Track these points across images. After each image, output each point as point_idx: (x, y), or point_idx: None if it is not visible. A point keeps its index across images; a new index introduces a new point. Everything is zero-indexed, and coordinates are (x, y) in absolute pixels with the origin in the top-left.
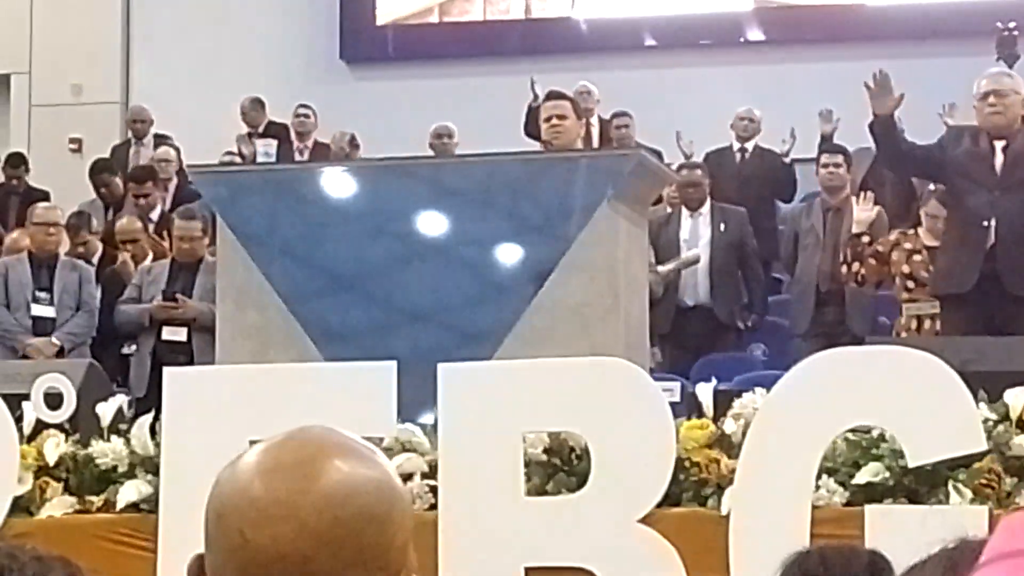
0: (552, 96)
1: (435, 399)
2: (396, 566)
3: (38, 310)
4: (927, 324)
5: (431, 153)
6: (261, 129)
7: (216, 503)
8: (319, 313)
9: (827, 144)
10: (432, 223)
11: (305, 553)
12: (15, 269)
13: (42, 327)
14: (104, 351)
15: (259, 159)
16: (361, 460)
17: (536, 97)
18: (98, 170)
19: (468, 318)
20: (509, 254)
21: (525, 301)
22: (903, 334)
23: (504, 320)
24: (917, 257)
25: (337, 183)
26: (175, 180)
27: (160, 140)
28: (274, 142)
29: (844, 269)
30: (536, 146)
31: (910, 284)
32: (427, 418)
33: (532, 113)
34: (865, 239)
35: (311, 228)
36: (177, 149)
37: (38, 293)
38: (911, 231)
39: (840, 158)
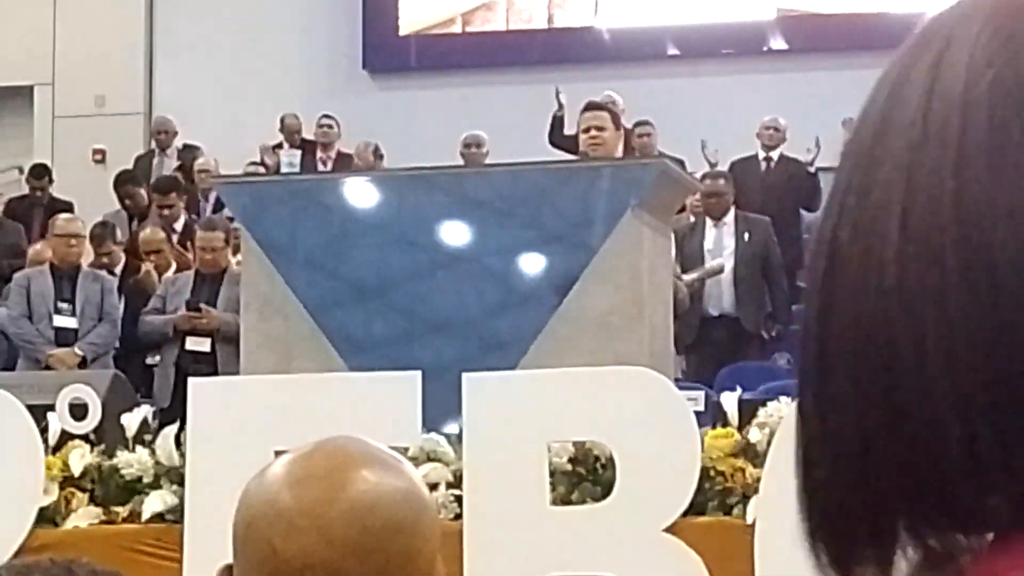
0: (591, 107)
1: (459, 408)
2: (423, 575)
3: (60, 321)
4: None
5: (455, 162)
6: (297, 142)
7: (245, 513)
8: (343, 323)
9: None
10: (455, 233)
11: (333, 563)
12: (37, 280)
13: (64, 338)
14: (127, 362)
15: (283, 169)
16: (388, 470)
17: (561, 106)
18: (122, 181)
19: (491, 327)
20: (532, 263)
21: (548, 310)
22: None
23: (527, 329)
24: None
25: (360, 193)
26: (215, 191)
27: (187, 150)
28: (298, 153)
29: None
30: (562, 157)
31: None
32: (450, 428)
33: (557, 123)
34: None
35: (334, 238)
36: (215, 161)
37: (60, 304)
38: None
39: None
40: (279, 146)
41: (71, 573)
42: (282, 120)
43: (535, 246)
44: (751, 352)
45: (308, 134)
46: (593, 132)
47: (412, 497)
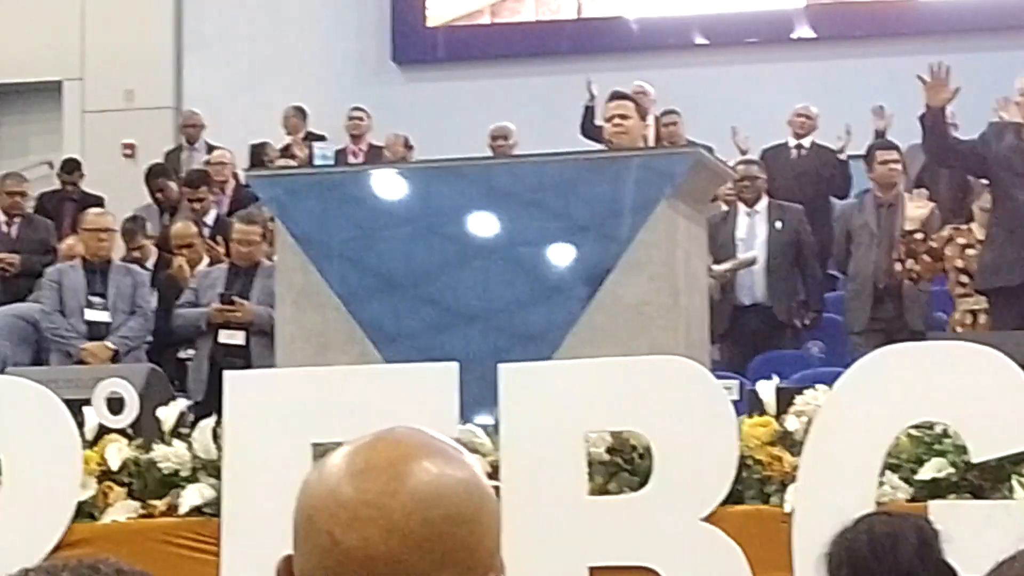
0: (615, 96)
1: (491, 399)
2: (484, 567)
3: (92, 315)
4: (982, 318)
5: (484, 153)
6: (301, 136)
7: (305, 505)
8: (376, 314)
9: (882, 140)
10: (484, 224)
11: (394, 554)
12: (69, 275)
13: (97, 332)
14: (161, 355)
15: (317, 162)
16: (449, 461)
17: (592, 97)
18: (154, 175)
19: (521, 319)
20: (561, 254)
21: (579, 301)
22: (958, 329)
23: (558, 320)
24: (970, 251)
25: (389, 185)
26: (231, 184)
27: (212, 147)
28: (332, 145)
29: (898, 266)
30: (594, 147)
31: (963, 279)
32: (483, 419)
33: (588, 113)
34: (919, 236)
35: (365, 230)
36: (231, 153)
37: (92, 298)
38: (964, 226)
39: (896, 154)
40: (317, 137)
41: (96, 571)
42: (284, 116)
43: (564, 237)
44: (784, 340)
45: (335, 127)
46: (617, 120)
47: (473, 488)
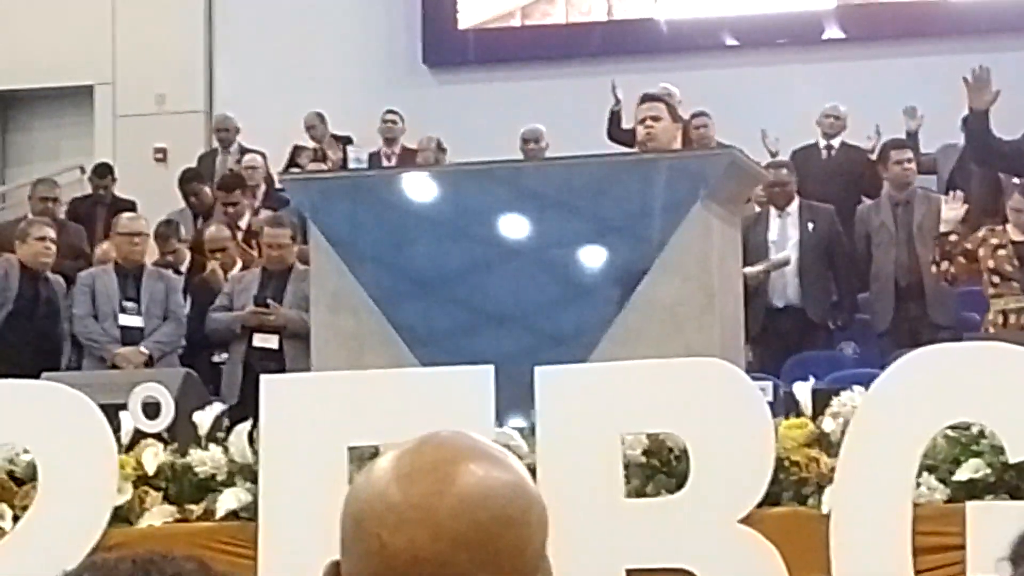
0: (647, 98)
1: (523, 401)
2: (531, 569)
3: (126, 320)
4: (1013, 319)
5: (515, 155)
6: (324, 143)
7: (353, 508)
8: (408, 317)
9: (896, 139)
10: (514, 226)
11: (442, 556)
12: (102, 280)
13: (130, 337)
14: (195, 360)
15: (351, 165)
16: (495, 463)
17: (618, 101)
18: (188, 179)
19: (553, 320)
20: (592, 256)
21: (612, 303)
22: (991, 329)
23: (591, 322)
24: (1002, 252)
25: (420, 188)
26: (263, 187)
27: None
28: (366, 148)
29: (934, 268)
30: (615, 149)
31: (995, 279)
32: (516, 421)
33: (614, 117)
34: (953, 238)
35: (397, 233)
36: (264, 156)
37: (125, 303)
38: (999, 227)
39: (911, 153)
40: (342, 139)
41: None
42: (306, 122)
43: (596, 239)
44: (817, 342)
45: (367, 129)
46: (649, 122)
47: (520, 490)
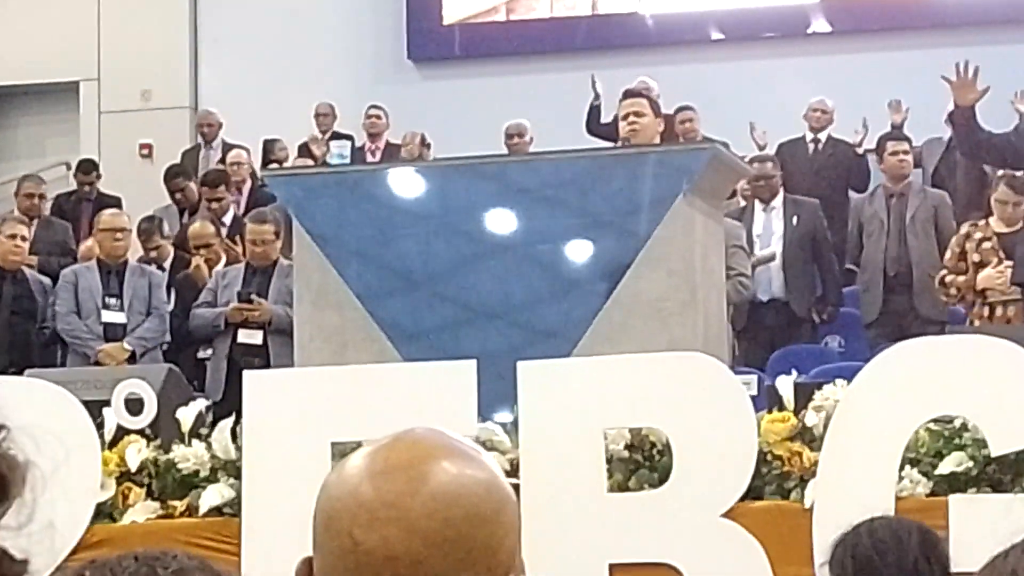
0: (629, 94)
1: (509, 397)
2: (505, 567)
3: (108, 316)
4: (999, 311)
5: (501, 150)
6: (329, 135)
7: (325, 506)
8: (394, 313)
9: (892, 132)
10: (501, 221)
11: (415, 555)
12: (84, 276)
13: (113, 333)
14: (179, 356)
15: (333, 160)
16: (469, 461)
17: (597, 96)
18: (173, 175)
19: (539, 316)
20: (579, 251)
21: (597, 297)
22: (976, 322)
23: (577, 317)
24: (986, 245)
25: (406, 183)
26: (248, 183)
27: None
28: (348, 143)
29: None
30: (600, 144)
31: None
32: (502, 416)
33: (593, 112)
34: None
35: (382, 228)
36: (248, 152)
37: (108, 299)
38: (982, 221)
39: (907, 145)
40: (343, 137)
41: (154, 573)
42: (318, 111)
43: (582, 233)
44: (802, 336)
45: (352, 124)
46: (632, 118)
47: (493, 488)
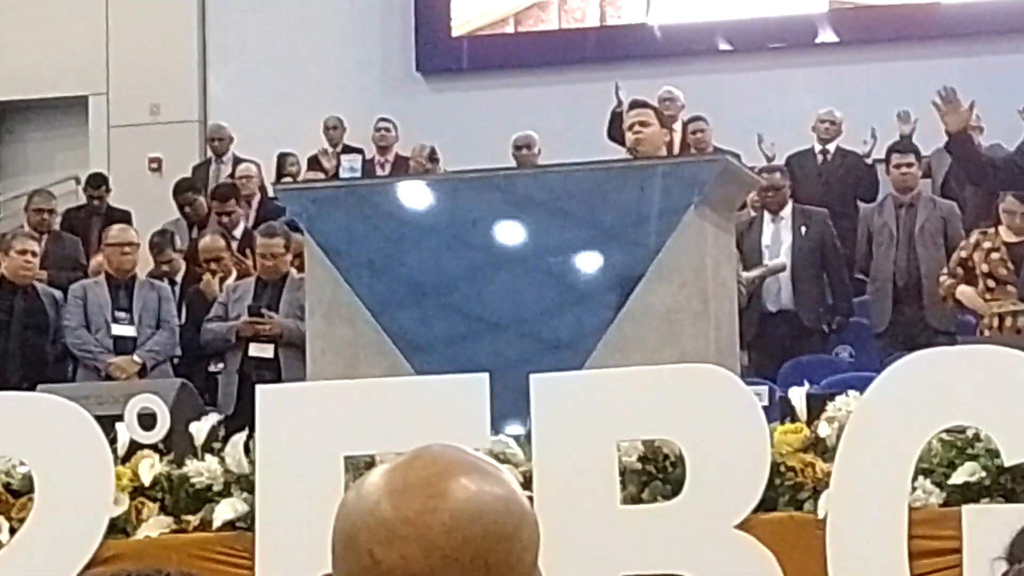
0: (635, 104)
1: (521, 409)
2: None
3: (118, 330)
4: (1008, 322)
5: (511, 163)
6: (340, 148)
7: (344, 523)
8: (405, 325)
9: (899, 144)
10: (510, 233)
11: (434, 572)
12: (93, 290)
13: (123, 346)
14: (190, 370)
15: (344, 174)
16: (487, 478)
17: (620, 103)
18: (182, 189)
19: (550, 327)
20: (589, 262)
21: (607, 309)
22: (986, 332)
23: (588, 329)
24: (995, 255)
25: (416, 196)
26: (257, 197)
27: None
28: (358, 157)
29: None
30: (619, 151)
31: (990, 283)
32: (513, 428)
33: (615, 118)
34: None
35: (393, 241)
36: (258, 166)
37: (118, 313)
38: (991, 230)
39: (912, 157)
40: (353, 150)
41: None
42: (326, 124)
43: (592, 245)
44: (812, 346)
45: (361, 137)
46: (637, 128)
47: (512, 504)
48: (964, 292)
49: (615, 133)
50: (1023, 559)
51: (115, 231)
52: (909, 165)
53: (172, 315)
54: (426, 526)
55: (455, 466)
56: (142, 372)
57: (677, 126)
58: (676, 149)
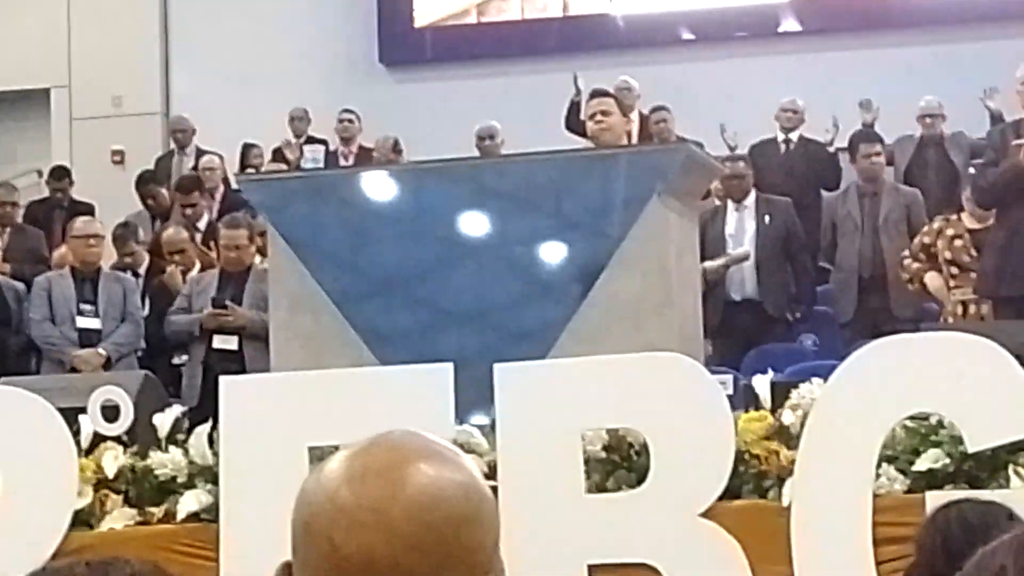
0: (596, 94)
1: (486, 399)
2: (484, 568)
3: (83, 322)
4: (972, 309)
5: (474, 153)
6: (303, 139)
7: (303, 511)
8: (369, 317)
9: (865, 132)
10: (475, 224)
11: (395, 559)
12: (58, 283)
13: (88, 339)
14: (154, 362)
15: (306, 165)
16: (447, 463)
17: (578, 92)
18: (145, 181)
19: (515, 318)
20: (554, 253)
21: (572, 299)
22: (950, 319)
23: (552, 319)
24: (958, 242)
25: (379, 187)
26: (221, 189)
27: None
28: (321, 148)
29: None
30: (578, 142)
31: (954, 270)
32: (478, 419)
33: (574, 108)
34: (915, 266)
35: (356, 232)
36: (221, 158)
37: (82, 306)
38: (954, 216)
39: (879, 146)
40: (317, 141)
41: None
42: (292, 116)
43: (556, 235)
44: (776, 335)
45: (325, 129)
46: (599, 117)
47: (472, 490)
48: (932, 279)
49: (573, 124)
50: (935, 548)
51: (80, 223)
52: (878, 154)
53: (137, 308)
54: (386, 512)
55: (414, 452)
56: (107, 365)
57: (634, 116)
58: (635, 139)
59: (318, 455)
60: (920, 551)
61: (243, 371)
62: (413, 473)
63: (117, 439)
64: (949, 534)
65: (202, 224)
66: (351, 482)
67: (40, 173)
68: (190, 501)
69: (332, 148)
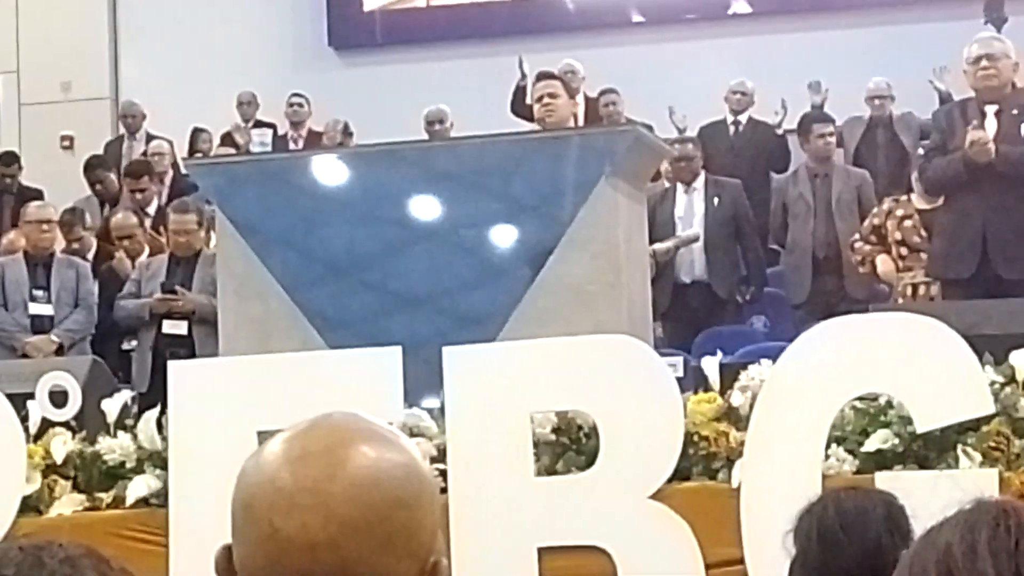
0: (543, 76)
1: (436, 383)
2: (425, 550)
3: (36, 308)
4: (922, 290)
5: (424, 137)
6: (252, 124)
7: (243, 493)
8: (319, 301)
9: (817, 113)
10: (425, 207)
11: (335, 540)
12: (11, 269)
13: (40, 325)
14: (104, 347)
15: (255, 149)
16: (387, 445)
17: (524, 76)
18: (92, 166)
19: (465, 301)
20: (504, 236)
21: (523, 282)
22: (900, 301)
23: (502, 302)
24: (908, 223)
25: (329, 171)
26: (170, 174)
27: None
28: (269, 131)
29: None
30: (524, 125)
31: (904, 251)
32: (429, 402)
33: (519, 92)
34: (866, 248)
35: (306, 216)
36: (170, 143)
37: (35, 292)
38: (903, 197)
39: (832, 127)
40: (266, 125)
41: (41, 566)
42: (239, 99)
43: (506, 218)
44: (726, 316)
45: (274, 113)
46: (546, 100)
47: (412, 471)
48: (882, 262)
49: (519, 108)
50: (811, 537)
51: (33, 208)
52: (831, 135)
53: (91, 293)
54: (326, 494)
55: (355, 434)
56: (59, 351)
57: (580, 99)
58: (580, 122)
59: (267, 440)
60: (796, 541)
61: (193, 356)
62: (353, 454)
63: (66, 425)
64: (825, 522)
65: (151, 209)
66: (290, 464)
67: None
68: (139, 486)
69: (282, 132)
